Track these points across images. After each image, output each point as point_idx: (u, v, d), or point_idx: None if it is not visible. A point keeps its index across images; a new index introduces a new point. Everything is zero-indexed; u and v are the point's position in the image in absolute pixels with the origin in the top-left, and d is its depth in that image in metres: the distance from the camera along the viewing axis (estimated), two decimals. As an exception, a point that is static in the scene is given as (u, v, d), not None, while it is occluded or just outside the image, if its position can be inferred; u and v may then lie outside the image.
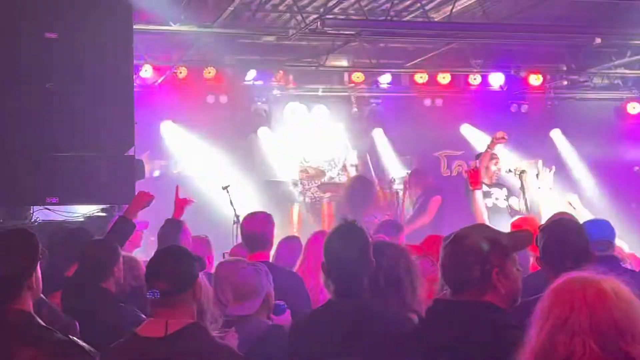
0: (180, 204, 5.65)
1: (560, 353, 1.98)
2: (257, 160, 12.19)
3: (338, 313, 3.30)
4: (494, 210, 8.54)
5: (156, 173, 11.86)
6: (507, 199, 8.72)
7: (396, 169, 11.84)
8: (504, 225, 5.58)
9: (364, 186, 9.31)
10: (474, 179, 7.58)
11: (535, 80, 12.97)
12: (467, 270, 2.84)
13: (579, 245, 3.64)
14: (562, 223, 3.91)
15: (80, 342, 2.86)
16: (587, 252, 3.63)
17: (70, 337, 2.85)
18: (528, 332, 2.08)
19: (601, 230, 4.82)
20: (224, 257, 6.50)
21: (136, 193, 5.74)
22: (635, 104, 13.21)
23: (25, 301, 2.89)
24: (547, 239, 3.69)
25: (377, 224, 6.27)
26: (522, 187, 8.11)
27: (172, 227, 5.67)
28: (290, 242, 6.22)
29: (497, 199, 8.78)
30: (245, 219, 5.60)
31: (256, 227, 5.27)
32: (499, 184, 8.91)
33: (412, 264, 3.60)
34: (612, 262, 4.49)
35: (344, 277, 3.34)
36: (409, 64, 12.27)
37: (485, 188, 8.54)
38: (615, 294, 2.02)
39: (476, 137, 12.88)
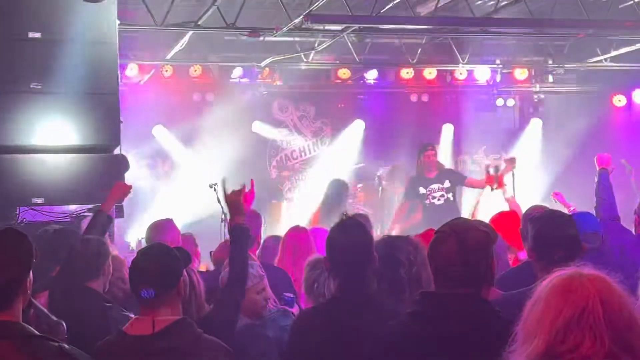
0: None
1: (569, 344, 2.01)
2: (244, 157, 12.17)
3: (342, 309, 3.28)
4: (431, 209, 8.78)
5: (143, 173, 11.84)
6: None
7: (382, 165, 11.84)
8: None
9: (338, 190, 9.40)
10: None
11: (521, 74, 13.02)
12: (474, 266, 2.78)
13: (571, 237, 3.62)
14: (554, 214, 3.89)
15: (75, 352, 2.72)
16: (578, 244, 3.63)
17: (63, 345, 2.71)
18: (536, 325, 2.08)
19: (588, 222, 4.84)
20: (211, 256, 6.48)
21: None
22: (620, 97, 13.28)
23: (15, 310, 2.68)
24: (539, 229, 3.66)
25: None
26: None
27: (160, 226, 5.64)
28: (277, 239, 6.23)
29: (433, 197, 8.98)
30: None
31: None
32: (438, 177, 9.13)
33: (425, 258, 3.57)
34: (600, 255, 4.51)
35: (348, 273, 3.33)
36: (394, 59, 12.28)
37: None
38: (619, 288, 2.08)
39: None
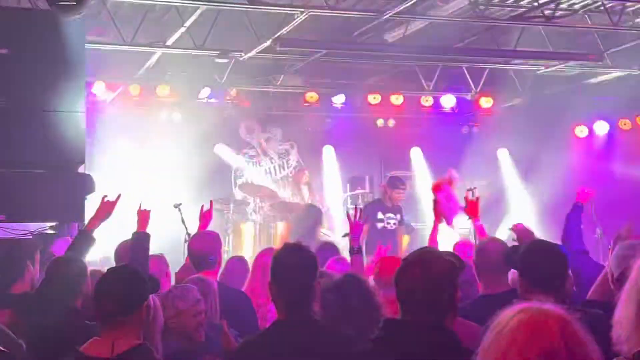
0: (143, 215, 5.43)
1: None
2: (210, 178, 12.14)
3: (287, 333, 3.30)
4: (383, 232, 9.22)
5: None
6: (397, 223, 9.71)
7: (347, 188, 11.89)
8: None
9: (313, 215, 9.61)
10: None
11: (485, 102, 13.16)
12: (438, 294, 2.81)
13: (561, 266, 3.69)
14: (543, 244, 3.94)
15: None
16: (565, 273, 3.71)
17: None
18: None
19: None
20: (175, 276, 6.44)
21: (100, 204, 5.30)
22: (582, 128, 13.49)
23: None
24: (524, 257, 3.71)
25: (317, 246, 6.19)
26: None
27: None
28: (238, 261, 6.22)
29: (388, 223, 9.48)
30: (193, 238, 5.57)
31: (204, 247, 5.23)
32: (396, 209, 9.59)
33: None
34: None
35: (292, 296, 3.35)
36: (362, 84, 12.37)
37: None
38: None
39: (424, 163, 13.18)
